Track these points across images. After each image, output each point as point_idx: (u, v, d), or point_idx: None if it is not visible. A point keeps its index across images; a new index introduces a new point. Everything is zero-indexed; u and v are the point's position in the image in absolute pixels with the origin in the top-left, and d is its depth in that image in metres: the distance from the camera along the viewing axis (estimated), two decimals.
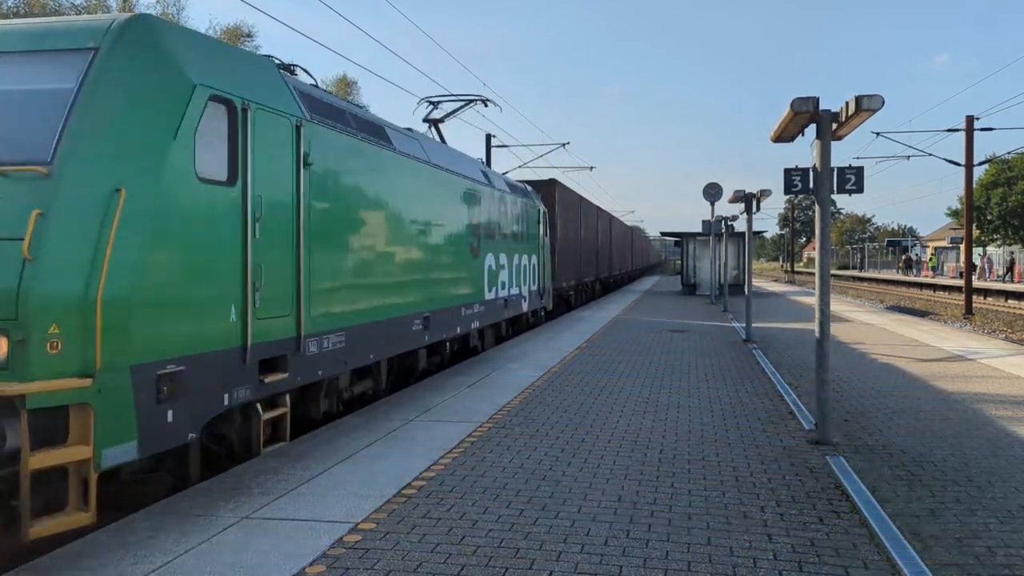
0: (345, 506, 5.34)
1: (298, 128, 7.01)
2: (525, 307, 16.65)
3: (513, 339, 16.20)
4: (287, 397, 7.00)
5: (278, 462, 6.44)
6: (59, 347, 4.68)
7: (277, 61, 7.71)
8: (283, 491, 5.66)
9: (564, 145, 32.61)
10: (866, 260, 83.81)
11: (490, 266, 13.72)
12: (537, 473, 6.15)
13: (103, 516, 5.13)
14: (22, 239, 4.61)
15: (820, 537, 4.82)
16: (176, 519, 5.08)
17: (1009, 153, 52.11)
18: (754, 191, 16.51)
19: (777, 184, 10.68)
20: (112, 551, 4.54)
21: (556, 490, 5.72)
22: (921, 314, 30.77)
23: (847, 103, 6.81)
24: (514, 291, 15.60)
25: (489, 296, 13.65)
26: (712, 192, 25.97)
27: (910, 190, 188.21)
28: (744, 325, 16.41)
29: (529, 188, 18.63)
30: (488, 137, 30.44)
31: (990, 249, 57.66)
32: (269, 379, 6.54)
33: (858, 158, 49.19)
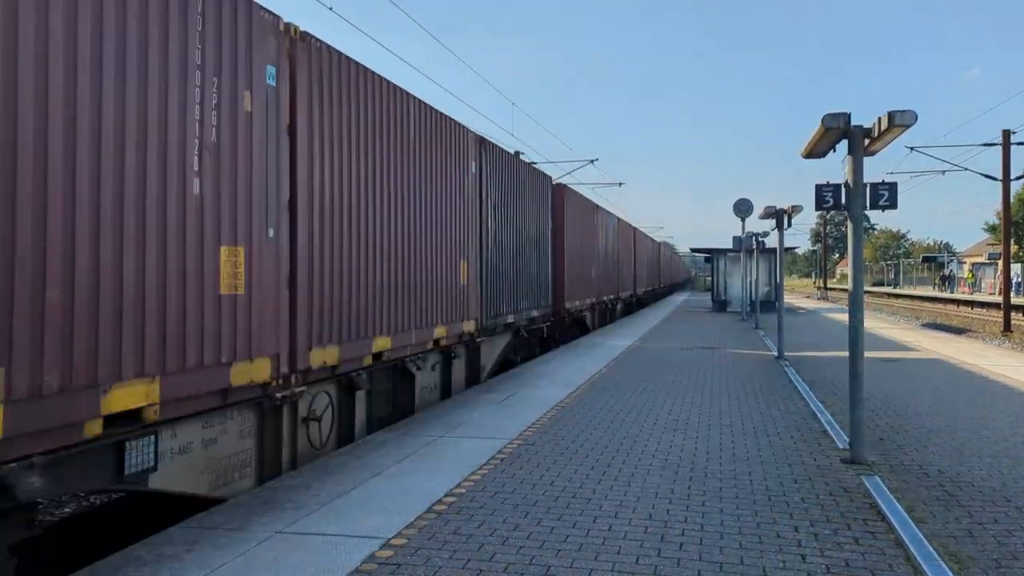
0: (376, 521, 5.37)
1: None
2: None
3: (539, 357, 16.23)
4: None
5: (310, 477, 6.50)
6: None
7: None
8: (316, 506, 5.72)
9: (592, 162, 32.70)
10: (901, 276, 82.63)
11: None
12: (567, 490, 6.14)
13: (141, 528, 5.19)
14: None
15: (855, 557, 4.76)
16: (211, 533, 5.14)
17: None
18: (785, 207, 16.41)
19: (809, 200, 10.64)
20: (149, 564, 4.62)
21: (586, 507, 5.71)
22: (958, 331, 30.25)
23: (879, 119, 6.76)
24: None
25: None
26: (743, 208, 25.85)
27: (946, 205, 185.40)
28: (776, 342, 16.27)
29: None
30: (516, 154, 30.58)
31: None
32: None
33: (892, 173, 48.58)
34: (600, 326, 25.72)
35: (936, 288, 65.46)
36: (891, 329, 24.63)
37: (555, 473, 6.65)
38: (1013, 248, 47.84)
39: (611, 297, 28.30)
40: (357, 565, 4.60)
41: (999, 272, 39.43)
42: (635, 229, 37.77)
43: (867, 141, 7.04)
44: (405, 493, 6.04)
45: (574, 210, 20.98)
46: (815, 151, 7.70)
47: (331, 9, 12.49)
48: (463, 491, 6.11)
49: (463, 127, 11.65)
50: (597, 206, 25.80)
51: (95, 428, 4.91)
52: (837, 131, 6.99)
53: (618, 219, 30.80)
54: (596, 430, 8.39)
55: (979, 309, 43.21)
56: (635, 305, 37.48)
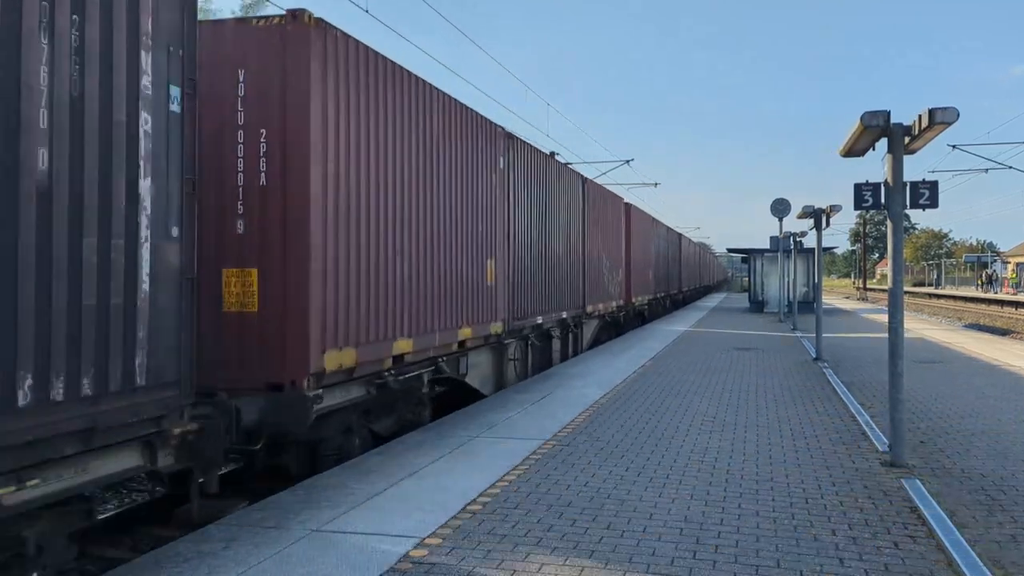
0: (411, 521, 5.41)
1: None
2: None
3: (573, 358, 16.18)
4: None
5: (346, 476, 6.56)
6: None
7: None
8: (351, 505, 5.77)
9: (628, 162, 32.50)
10: (943, 276, 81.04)
11: None
12: (602, 492, 6.13)
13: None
14: None
15: (895, 562, 4.68)
16: (249, 531, 5.22)
17: None
18: (823, 206, 16.19)
19: (848, 199, 10.45)
20: (188, 560, 4.70)
21: (621, 509, 5.69)
22: (1002, 332, 29.60)
23: (920, 116, 6.65)
24: None
25: None
26: (780, 208, 25.56)
27: (989, 204, 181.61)
28: (814, 344, 16.06)
29: None
30: (551, 155, 30.53)
31: None
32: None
33: (933, 172, 47.68)
34: (546, 366, 14.68)
35: (980, 289, 64.06)
36: (932, 330, 24.19)
37: (589, 474, 6.63)
38: None
39: (568, 314, 16.17)
40: (393, 564, 4.64)
41: None
42: (630, 206, 24.49)
43: (907, 139, 6.92)
44: (440, 493, 6.07)
45: (406, 107, 8.55)
46: (854, 150, 7.59)
47: (367, 11, 12.62)
48: (498, 491, 6.12)
49: None
50: (545, 154, 15.31)
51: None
52: (876, 129, 6.88)
53: (593, 184, 19.49)
54: (631, 431, 8.35)
55: (1023, 310, 42.19)
56: (632, 319, 25.11)
